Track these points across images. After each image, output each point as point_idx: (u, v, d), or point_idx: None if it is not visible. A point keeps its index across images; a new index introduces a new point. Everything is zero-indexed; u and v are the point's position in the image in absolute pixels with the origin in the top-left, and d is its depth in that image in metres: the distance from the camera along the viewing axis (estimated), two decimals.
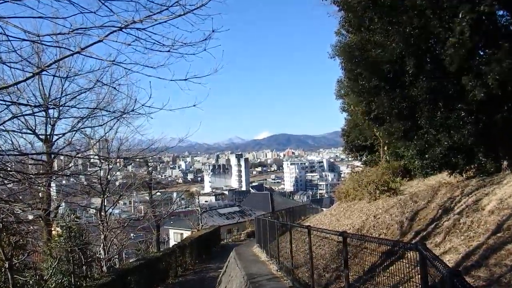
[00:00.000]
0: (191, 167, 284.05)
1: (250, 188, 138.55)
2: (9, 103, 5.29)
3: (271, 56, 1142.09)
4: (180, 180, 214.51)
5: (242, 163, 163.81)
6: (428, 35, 7.91)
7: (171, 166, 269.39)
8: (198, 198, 48.68)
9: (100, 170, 13.24)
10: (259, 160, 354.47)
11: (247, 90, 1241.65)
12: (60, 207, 14.51)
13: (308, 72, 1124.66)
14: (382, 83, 9.22)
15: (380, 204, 11.25)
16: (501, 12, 7.45)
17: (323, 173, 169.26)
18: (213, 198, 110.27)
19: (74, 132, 10.68)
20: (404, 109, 8.92)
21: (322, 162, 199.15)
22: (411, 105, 8.76)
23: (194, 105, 4.75)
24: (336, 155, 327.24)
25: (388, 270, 4.78)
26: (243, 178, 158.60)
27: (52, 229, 13.02)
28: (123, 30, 3.47)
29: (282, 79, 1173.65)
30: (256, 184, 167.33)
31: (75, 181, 13.82)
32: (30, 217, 11.84)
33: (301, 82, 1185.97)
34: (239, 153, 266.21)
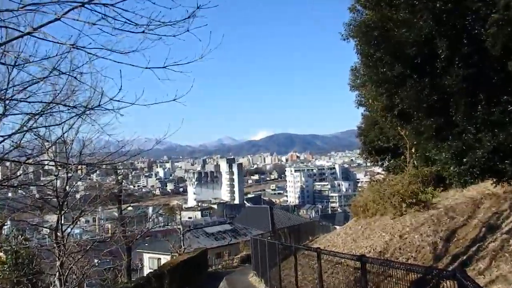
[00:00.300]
0: (171, 175, 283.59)
1: (245, 201, 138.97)
2: None
3: (269, 41, 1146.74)
4: (158, 192, 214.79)
5: (235, 169, 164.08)
6: (464, 11, 7.96)
7: (146, 174, 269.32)
8: (180, 214, 48.57)
9: (57, 179, 13.14)
10: (255, 166, 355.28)
11: (241, 83, 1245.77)
12: (5, 227, 14.40)
13: (316, 59, 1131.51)
14: (407, 71, 9.27)
15: (408, 220, 11.27)
16: None
17: (336, 182, 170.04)
18: (198, 214, 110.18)
19: (24, 132, 10.59)
20: (435, 102, 8.97)
21: (334, 168, 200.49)
22: (444, 98, 8.81)
23: (174, 99, 4.72)
24: (351, 160, 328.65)
25: None
26: (236, 189, 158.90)
27: None
28: (86, 6, 3.44)
29: (284, 68, 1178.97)
30: (253, 196, 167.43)
31: (24, 193, 13.71)
32: None
33: (307, 71, 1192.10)
34: (231, 157, 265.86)
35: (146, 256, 37.50)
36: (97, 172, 24.31)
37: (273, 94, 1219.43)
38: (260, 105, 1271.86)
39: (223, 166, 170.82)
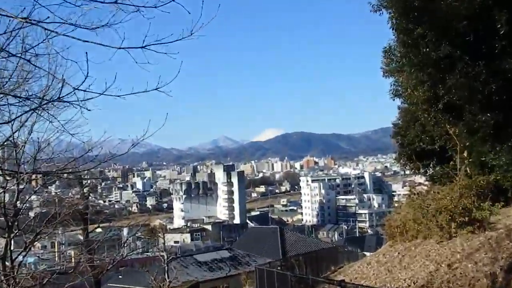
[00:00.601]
0: (152, 187, 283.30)
1: (248, 221, 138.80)
2: None
3: (278, 15, 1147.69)
4: (135, 208, 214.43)
5: (235, 179, 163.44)
6: None
7: (120, 186, 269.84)
8: (164, 237, 48.67)
9: (4, 192, 13.21)
10: (261, 175, 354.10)
11: (242, 68, 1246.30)
12: None
13: (338, 38, 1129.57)
14: (456, 51, 9.25)
15: (458, 245, 11.23)
16: None
17: (365, 196, 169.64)
18: (187, 237, 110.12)
19: None
20: (493, 92, 8.94)
21: (363, 177, 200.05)
22: (504, 86, 8.78)
23: (156, 88, 4.74)
24: (385, 167, 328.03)
25: None
26: (236, 204, 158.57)
27: None
28: None
29: (296, 49, 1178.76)
30: (258, 213, 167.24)
31: None
32: None
33: (326, 53, 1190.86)
34: (230, 163, 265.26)
35: None
36: (57, 183, 24.33)
37: (284, 82, 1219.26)
38: (266, 96, 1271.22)
39: (219, 175, 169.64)
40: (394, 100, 17.76)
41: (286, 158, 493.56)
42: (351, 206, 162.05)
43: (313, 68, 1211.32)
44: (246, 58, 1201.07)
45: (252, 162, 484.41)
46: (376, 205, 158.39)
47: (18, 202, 14.63)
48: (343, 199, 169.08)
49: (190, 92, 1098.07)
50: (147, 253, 52.07)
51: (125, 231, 62.39)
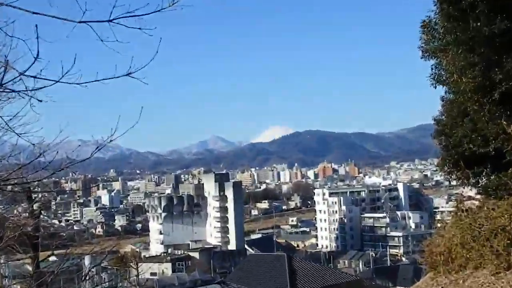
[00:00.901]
0: (122, 203, 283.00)
1: (247, 246, 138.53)
2: None
3: None
4: (100, 230, 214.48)
5: (229, 192, 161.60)
6: None
7: (81, 201, 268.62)
8: (137, 268, 48.68)
9: None
10: (263, 186, 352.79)
11: (239, 51, 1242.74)
12: None
13: (361, 12, 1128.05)
14: None
15: None
16: None
17: (398, 214, 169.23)
18: (168, 268, 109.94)
19: None
20: None
21: (396, 189, 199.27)
22: None
23: (128, 74, 4.85)
24: (425, 175, 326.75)
25: None
26: (232, 225, 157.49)
27: None
28: None
29: (308, 29, 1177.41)
30: (259, 236, 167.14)
31: None
32: None
33: (344, 31, 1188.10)
34: (223, 171, 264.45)
35: None
36: None
37: (292, 69, 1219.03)
38: (271, 85, 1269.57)
39: (210, 186, 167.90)
40: (435, 88, 17.37)
41: (296, 164, 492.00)
42: (381, 226, 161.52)
43: (335, 56, 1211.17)
44: (244, 39, 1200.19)
45: (252, 169, 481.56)
46: (413, 226, 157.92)
47: None
48: (370, 217, 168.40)
49: (172, 81, 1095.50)
50: None
51: (86, 259, 61.98)
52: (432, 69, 16.90)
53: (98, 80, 4.90)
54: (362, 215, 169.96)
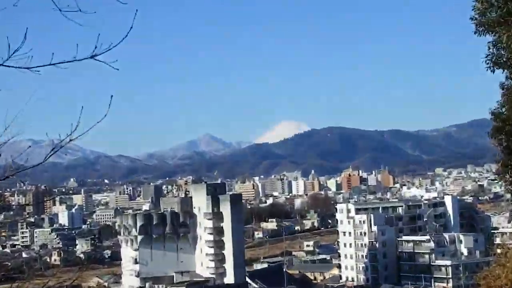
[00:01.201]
0: (85, 223, 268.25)
1: (249, 279, 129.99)
2: None
3: None
4: (56, 258, 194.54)
5: (226, 208, 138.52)
6: None
7: (32, 220, 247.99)
8: None
9: None
10: (270, 200, 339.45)
11: (236, 31, 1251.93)
12: None
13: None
14: None
15: None
16: None
17: (446, 236, 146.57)
18: None
19: None
20: None
21: (443, 204, 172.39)
22: None
23: (92, 56, 5.02)
24: (480, 185, 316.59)
25: None
26: (229, 251, 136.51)
27: None
28: None
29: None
30: (265, 266, 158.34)
31: None
32: None
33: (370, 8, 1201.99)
34: (218, 180, 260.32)
35: None
36: None
37: (309, 50, 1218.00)
38: (279, 72, 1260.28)
39: (200, 201, 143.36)
40: (493, 72, 16.07)
41: (312, 171, 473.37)
42: (423, 253, 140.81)
43: (361, 38, 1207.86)
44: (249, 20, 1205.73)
45: (256, 178, 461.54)
46: (465, 252, 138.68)
47: None
48: (409, 241, 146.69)
49: (149, 62, 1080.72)
50: None
51: None
52: (489, 47, 15.74)
53: (53, 64, 4.88)
54: (399, 238, 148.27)
